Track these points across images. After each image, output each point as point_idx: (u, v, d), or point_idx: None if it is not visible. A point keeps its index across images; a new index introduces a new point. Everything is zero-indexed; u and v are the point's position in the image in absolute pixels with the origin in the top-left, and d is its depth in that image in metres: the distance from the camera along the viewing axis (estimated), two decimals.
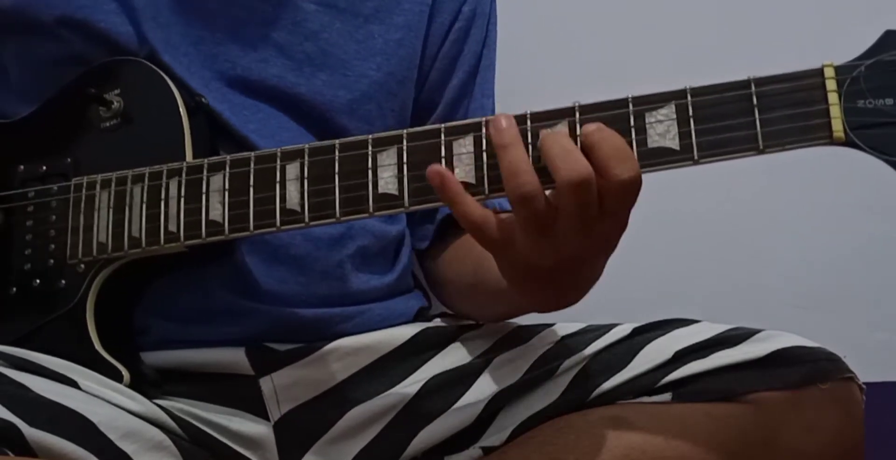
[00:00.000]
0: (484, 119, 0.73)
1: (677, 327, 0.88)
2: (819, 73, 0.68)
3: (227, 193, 0.80)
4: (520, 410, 0.88)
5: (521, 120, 0.71)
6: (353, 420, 0.89)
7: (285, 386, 0.88)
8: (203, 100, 0.87)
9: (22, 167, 0.88)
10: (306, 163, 0.78)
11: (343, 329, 0.91)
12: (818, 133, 0.67)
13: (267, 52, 0.92)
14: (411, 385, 0.90)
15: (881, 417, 0.95)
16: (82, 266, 0.84)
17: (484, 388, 0.89)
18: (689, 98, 0.69)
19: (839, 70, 0.67)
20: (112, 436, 0.73)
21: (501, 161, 0.69)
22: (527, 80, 1.24)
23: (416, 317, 0.98)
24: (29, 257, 0.86)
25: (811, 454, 0.81)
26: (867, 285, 1.33)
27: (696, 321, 0.89)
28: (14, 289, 0.86)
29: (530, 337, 0.93)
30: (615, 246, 0.71)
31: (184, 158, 0.83)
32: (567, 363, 0.88)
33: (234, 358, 0.88)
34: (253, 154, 0.80)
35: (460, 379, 0.90)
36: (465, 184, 0.71)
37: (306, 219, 0.77)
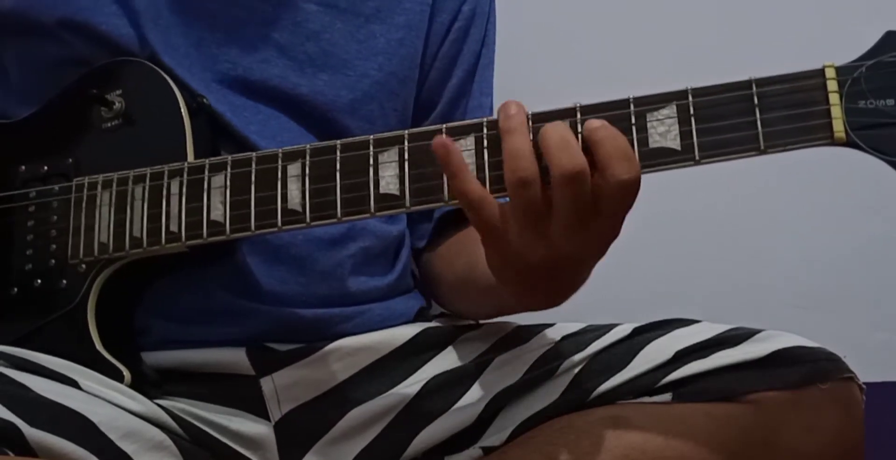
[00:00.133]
0: (485, 119, 0.73)
1: (677, 327, 0.88)
2: (820, 73, 0.68)
3: (228, 193, 0.80)
4: (520, 410, 0.88)
5: None
6: (354, 420, 0.89)
7: (286, 387, 0.88)
8: (204, 100, 0.87)
9: (23, 167, 0.88)
10: (307, 163, 0.78)
11: (343, 329, 0.91)
12: (819, 133, 0.67)
13: (268, 53, 0.92)
14: (412, 385, 0.90)
15: (881, 417, 0.95)
16: (83, 266, 0.84)
17: (484, 388, 0.89)
18: (690, 98, 0.69)
19: (840, 71, 0.68)
20: (112, 436, 0.73)
21: (504, 144, 0.69)
22: (527, 80, 1.24)
23: (417, 318, 0.98)
24: (30, 257, 0.86)
25: (811, 454, 0.81)
26: (867, 285, 1.34)
27: (697, 321, 0.89)
28: (15, 289, 0.86)
29: (530, 337, 0.92)
30: (605, 250, 0.71)
31: (185, 159, 0.83)
32: (567, 363, 0.88)
33: (235, 358, 0.88)
34: (254, 154, 0.80)
35: (460, 379, 0.90)
36: None
37: (308, 220, 0.77)
